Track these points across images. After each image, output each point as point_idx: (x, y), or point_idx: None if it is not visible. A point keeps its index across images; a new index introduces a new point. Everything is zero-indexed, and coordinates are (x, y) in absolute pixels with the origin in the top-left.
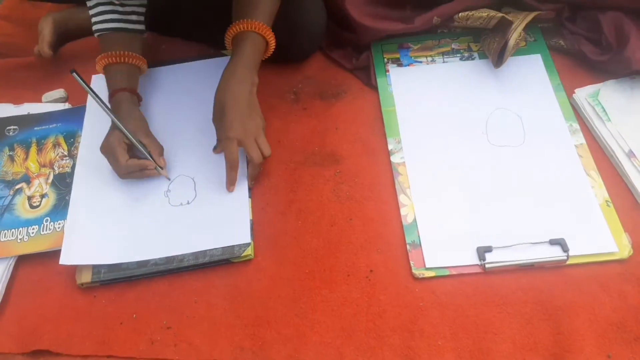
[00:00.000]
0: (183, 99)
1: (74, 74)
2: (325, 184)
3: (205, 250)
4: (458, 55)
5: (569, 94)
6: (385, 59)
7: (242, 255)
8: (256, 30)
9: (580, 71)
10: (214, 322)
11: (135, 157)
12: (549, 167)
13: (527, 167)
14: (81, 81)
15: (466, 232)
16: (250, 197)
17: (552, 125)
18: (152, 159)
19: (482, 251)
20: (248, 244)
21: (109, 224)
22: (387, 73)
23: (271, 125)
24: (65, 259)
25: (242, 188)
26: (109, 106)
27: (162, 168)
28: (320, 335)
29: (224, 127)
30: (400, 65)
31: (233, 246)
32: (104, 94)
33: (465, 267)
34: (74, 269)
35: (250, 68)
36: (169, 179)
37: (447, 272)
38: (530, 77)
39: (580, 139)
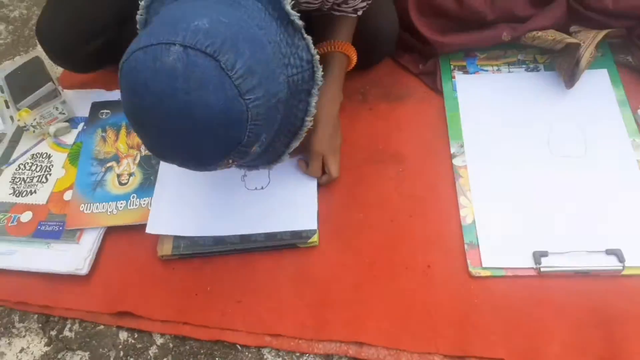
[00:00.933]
0: None
1: None
2: (388, 181)
3: (276, 233)
4: (524, 66)
5: (634, 109)
6: (452, 66)
7: (309, 241)
8: (340, 49)
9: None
10: (280, 300)
11: None
12: (609, 179)
13: (587, 178)
14: None
15: (523, 235)
16: (318, 189)
17: (615, 139)
18: None
19: (539, 255)
20: (314, 231)
21: (191, 202)
22: (453, 79)
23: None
24: (150, 229)
25: (312, 178)
26: None
27: None
28: (378, 321)
29: (313, 141)
30: (466, 72)
31: (301, 232)
32: None
33: (521, 270)
34: (155, 242)
35: (338, 87)
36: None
37: (502, 273)
38: (595, 91)
39: None
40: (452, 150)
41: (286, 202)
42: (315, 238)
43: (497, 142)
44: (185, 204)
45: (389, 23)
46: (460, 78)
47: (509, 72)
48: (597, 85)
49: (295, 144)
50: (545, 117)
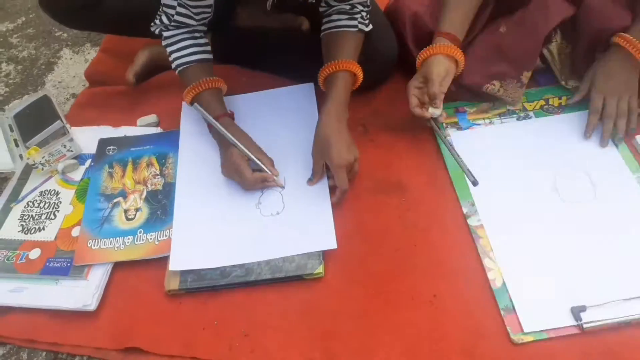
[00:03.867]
0: (266, 122)
1: (196, 105)
2: (391, 211)
3: (281, 266)
4: (515, 115)
5: (631, 145)
6: (444, 125)
7: (314, 273)
8: (346, 68)
9: None
10: (287, 333)
11: (256, 170)
12: (625, 220)
13: (603, 222)
14: (202, 110)
15: (558, 292)
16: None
17: (619, 178)
18: (268, 170)
19: (577, 311)
20: (319, 263)
21: (210, 235)
22: (448, 137)
23: None
24: (174, 266)
25: (325, 199)
26: (224, 131)
27: (277, 177)
28: (386, 352)
29: (331, 157)
30: (459, 128)
31: (306, 264)
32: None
33: (563, 329)
34: (163, 277)
35: (345, 105)
36: (283, 187)
37: (545, 336)
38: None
39: None
40: (465, 210)
41: (303, 224)
42: (320, 269)
43: (506, 196)
44: (204, 237)
45: (388, 47)
46: (454, 135)
47: (502, 123)
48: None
49: None
50: (547, 164)
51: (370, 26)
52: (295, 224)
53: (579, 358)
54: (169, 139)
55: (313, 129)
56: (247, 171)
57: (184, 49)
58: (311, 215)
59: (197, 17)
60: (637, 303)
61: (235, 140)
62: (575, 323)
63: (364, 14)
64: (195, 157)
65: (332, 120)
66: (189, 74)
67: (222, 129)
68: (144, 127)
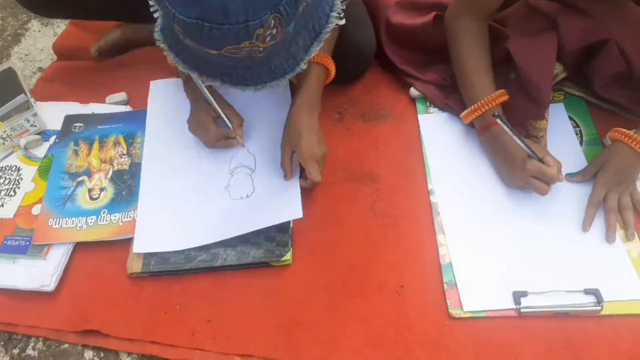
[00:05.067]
0: (238, 103)
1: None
2: (363, 200)
3: (248, 252)
4: None
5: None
6: (428, 103)
7: (282, 259)
8: (319, 61)
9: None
10: (252, 320)
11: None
12: (575, 213)
13: (554, 213)
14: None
15: (502, 275)
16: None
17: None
18: (233, 127)
19: (518, 296)
20: (287, 250)
21: (176, 217)
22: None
23: None
24: (138, 248)
25: (295, 178)
26: (199, 82)
27: (241, 137)
28: (351, 341)
29: (302, 150)
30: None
31: (273, 250)
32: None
33: (501, 311)
34: (125, 259)
35: (317, 97)
36: (244, 147)
37: (483, 314)
38: (554, 123)
39: None
40: (430, 187)
41: (271, 203)
42: (288, 256)
43: (464, 181)
44: (170, 219)
45: (366, 40)
46: (422, 118)
47: None
48: (556, 119)
49: (315, 49)
50: None
51: (344, 20)
52: (264, 205)
53: (511, 339)
54: (137, 118)
55: (284, 113)
56: (212, 126)
57: None
58: (280, 195)
59: None
60: (578, 296)
61: (208, 94)
62: (514, 306)
63: (338, 4)
64: (163, 138)
65: (303, 113)
66: None
67: (199, 82)
68: (113, 104)
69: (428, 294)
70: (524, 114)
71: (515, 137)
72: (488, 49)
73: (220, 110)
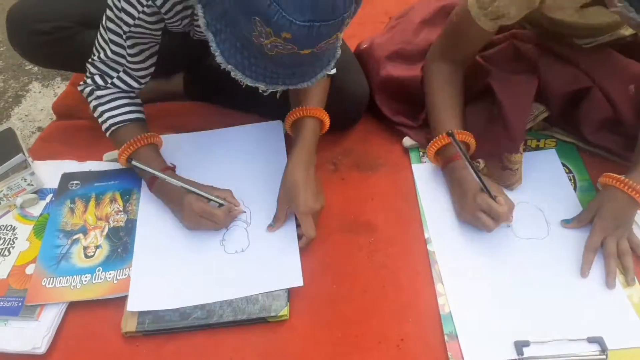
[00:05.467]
0: (234, 158)
1: (133, 162)
2: (360, 250)
3: (244, 308)
4: None
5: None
6: (421, 153)
7: (279, 315)
8: (313, 115)
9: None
10: None
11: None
12: (575, 260)
13: (555, 260)
14: (143, 166)
15: (503, 325)
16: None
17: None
18: (231, 202)
19: (520, 345)
20: (284, 305)
21: (171, 273)
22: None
23: None
24: (133, 306)
25: (292, 236)
26: (165, 183)
27: (238, 206)
28: None
29: (298, 205)
30: None
31: (271, 305)
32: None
33: None
34: (120, 318)
35: (313, 151)
36: (245, 212)
37: None
38: (547, 171)
39: None
40: (426, 236)
41: (268, 261)
42: (285, 311)
43: (460, 229)
44: (165, 275)
45: (359, 86)
46: (416, 168)
47: None
48: (549, 165)
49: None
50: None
51: (334, 70)
52: (260, 261)
53: None
54: (134, 174)
55: (280, 166)
56: (216, 210)
57: (119, 108)
58: (277, 252)
59: (142, 81)
60: (581, 344)
61: (188, 186)
62: (516, 357)
63: None
64: (154, 205)
65: (300, 168)
66: (124, 133)
67: (171, 179)
68: (110, 162)
69: (429, 346)
70: (500, 146)
71: (470, 169)
72: (459, 89)
73: (208, 195)
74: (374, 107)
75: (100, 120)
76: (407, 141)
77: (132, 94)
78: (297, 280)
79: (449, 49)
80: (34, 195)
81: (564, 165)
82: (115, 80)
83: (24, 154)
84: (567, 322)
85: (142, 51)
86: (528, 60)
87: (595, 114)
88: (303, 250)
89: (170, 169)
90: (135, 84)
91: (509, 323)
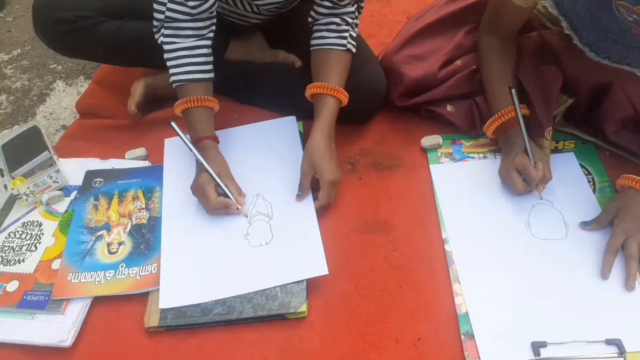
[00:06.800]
0: (253, 154)
1: (172, 123)
2: (377, 250)
3: (264, 304)
4: None
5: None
6: (439, 153)
7: (297, 312)
8: (336, 95)
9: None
10: None
11: (221, 195)
12: (593, 262)
13: (573, 261)
14: (177, 129)
15: (520, 325)
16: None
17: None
18: (233, 198)
19: (537, 346)
20: (303, 302)
21: (198, 269)
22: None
23: None
24: (164, 304)
25: (314, 226)
26: (197, 155)
27: (241, 206)
28: None
29: (324, 172)
30: (453, 159)
31: (290, 302)
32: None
33: None
34: (142, 313)
35: (333, 125)
36: (246, 217)
37: None
38: (567, 173)
39: None
40: (444, 236)
41: (293, 252)
42: (304, 308)
43: (477, 229)
44: (193, 272)
45: (375, 77)
46: (434, 168)
47: (495, 158)
48: (568, 167)
49: None
50: (525, 199)
51: (355, 49)
52: (285, 252)
53: None
54: (156, 173)
55: (296, 159)
56: (211, 194)
57: (181, 66)
58: (300, 243)
59: (193, 7)
60: (599, 346)
61: (205, 163)
62: (533, 357)
63: (352, 33)
64: (179, 192)
65: (324, 137)
66: (184, 91)
67: (195, 151)
68: (132, 160)
69: (446, 346)
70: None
71: (522, 129)
72: (511, 62)
73: (219, 180)
74: (394, 106)
75: (169, 74)
76: (425, 141)
77: (197, 52)
78: (322, 269)
79: (493, 24)
80: (59, 192)
81: (582, 167)
82: (168, 13)
83: (49, 151)
84: (585, 324)
85: None
86: (554, 52)
87: (617, 112)
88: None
89: (212, 139)
90: (185, 13)
91: (526, 323)
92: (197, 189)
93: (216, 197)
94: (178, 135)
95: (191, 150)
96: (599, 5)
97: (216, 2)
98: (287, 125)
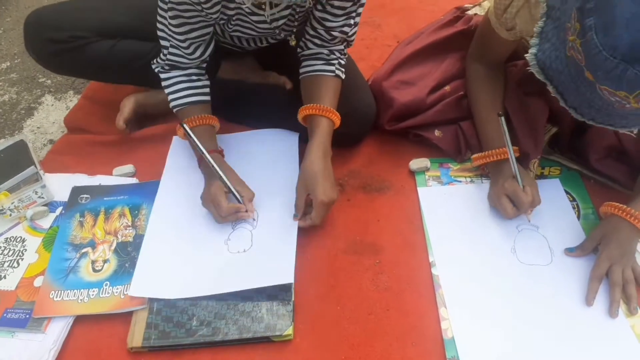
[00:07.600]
0: (247, 160)
1: (184, 125)
2: (365, 272)
3: (249, 326)
4: None
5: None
6: (427, 176)
7: (283, 334)
8: (329, 116)
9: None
10: None
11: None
12: (579, 288)
13: (558, 288)
14: (190, 131)
15: (505, 351)
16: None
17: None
18: (242, 202)
19: None
20: (289, 324)
21: (175, 266)
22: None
23: None
24: (134, 291)
25: (292, 237)
26: (211, 161)
27: (251, 212)
28: None
29: (318, 193)
30: (440, 183)
31: (275, 324)
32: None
33: None
34: (126, 333)
35: (328, 146)
36: (255, 220)
37: None
38: (552, 199)
39: None
40: (431, 259)
41: (265, 262)
42: (289, 331)
43: (465, 253)
44: (169, 268)
45: (365, 103)
46: (422, 191)
47: (482, 183)
48: (553, 193)
49: None
50: (512, 224)
51: (344, 75)
52: (258, 260)
53: None
54: (143, 190)
55: (290, 173)
56: (223, 201)
57: (179, 92)
58: (275, 251)
59: (189, 57)
60: None
61: (219, 171)
62: None
63: (340, 61)
64: (176, 188)
65: (320, 157)
66: (184, 114)
67: (210, 160)
68: (119, 176)
69: None
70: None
71: (510, 155)
72: (498, 89)
73: (230, 186)
74: (383, 129)
75: (168, 101)
76: (414, 164)
77: (192, 77)
78: (288, 277)
79: (480, 52)
80: (44, 208)
81: (567, 193)
82: (169, 57)
83: (35, 166)
84: (570, 350)
85: (182, 24)
86: (540, 81)
87: (601, 140)
88: (308, 263)
89: (218, 152)
90: (184, 60)
91: (511, 349)
92: (210, 197)
93: (227, 203)
94: (189, 139)
95: (202, 154)
96: (582, 83)
97: (213, 47)
98: (288, 139)
